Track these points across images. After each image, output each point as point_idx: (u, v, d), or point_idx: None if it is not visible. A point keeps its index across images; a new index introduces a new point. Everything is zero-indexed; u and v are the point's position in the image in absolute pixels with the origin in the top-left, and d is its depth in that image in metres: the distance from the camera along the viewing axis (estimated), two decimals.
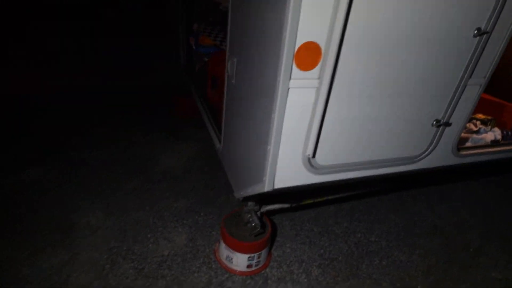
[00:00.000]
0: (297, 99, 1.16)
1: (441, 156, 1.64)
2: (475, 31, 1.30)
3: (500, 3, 1.25)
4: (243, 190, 1.68)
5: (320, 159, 1.34)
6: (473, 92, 1.51)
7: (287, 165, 1.31)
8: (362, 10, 1.06)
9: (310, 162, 1.33)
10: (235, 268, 2.20)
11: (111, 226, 2.46)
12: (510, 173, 3.58)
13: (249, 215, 2.11)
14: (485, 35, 1.33)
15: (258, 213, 2.15)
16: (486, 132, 2.25)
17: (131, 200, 2.73)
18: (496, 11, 1.27)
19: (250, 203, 2.11)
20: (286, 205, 2.23)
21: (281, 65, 1.07)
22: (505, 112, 2.70)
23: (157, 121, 4.04)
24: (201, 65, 3.05)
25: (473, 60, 1.39)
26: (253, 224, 2.10)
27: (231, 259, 2.18)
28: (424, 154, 1.59)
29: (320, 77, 1.15)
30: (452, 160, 1.70)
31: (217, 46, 2.91)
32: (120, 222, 2.51)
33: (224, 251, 2.21)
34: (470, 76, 1.44)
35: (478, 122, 2.54)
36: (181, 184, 2.98)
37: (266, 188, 1.34)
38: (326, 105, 1.19)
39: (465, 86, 1.46)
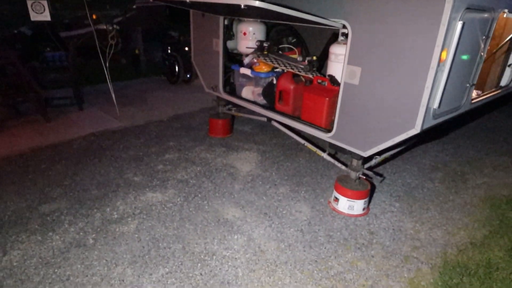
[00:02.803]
0: (437, 77, 2.34)
1: (466, 105, 3.05)
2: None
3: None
4: (381, 145, 2.72)
5: (438, 109, 2.53)
6: (479, 67, 2.96)
7: (426, 115, 2.44)
8: (462, 39, 2.35)
9: (434, 111, 2.51)
10: (356, 213, 3.16)
11: (252, 214, 3.12)
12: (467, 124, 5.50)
13: (359, 172, 3.14)
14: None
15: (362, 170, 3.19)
16: None
17: (264, 195, 3.41)
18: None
19: (360, 163, 3.14)
20: (373, 162, 3.33)
21: (435, 60, 2.24)
22: None
23: (208, 140, 4.68)
24: (262, 87, 3.94)
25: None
26: (366, 177, 3.14)
27: (353, 207, 3.14)
28: (463, 103, 2.96)
29: (445, 64, 2.36)
30: (469, 107, 3.15)
31: (274, 70, 3.86)
32: (252, 210, 3.18)
33: (346, 204, 3.15)
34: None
35: None
36: (269, 179, 3.76)
37: (420, 130, 2.44)
38: (447, 79, 2.40)
39: (478, 65, 2.89)
